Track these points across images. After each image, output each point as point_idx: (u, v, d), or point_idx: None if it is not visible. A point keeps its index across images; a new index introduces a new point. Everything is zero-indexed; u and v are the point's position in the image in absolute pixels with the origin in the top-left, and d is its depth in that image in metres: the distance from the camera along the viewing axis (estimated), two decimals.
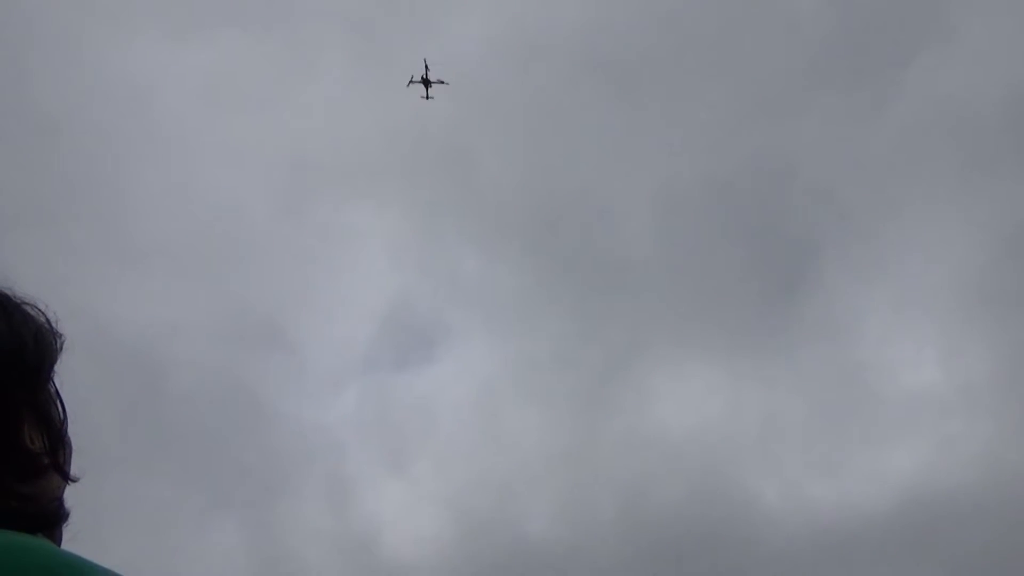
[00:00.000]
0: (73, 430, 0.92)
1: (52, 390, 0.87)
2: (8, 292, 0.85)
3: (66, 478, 0.85)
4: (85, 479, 0.95)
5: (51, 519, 0.83)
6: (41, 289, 0.92)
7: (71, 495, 0.91)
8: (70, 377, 0.94)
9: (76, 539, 0.85)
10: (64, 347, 0.88)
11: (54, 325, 0.88)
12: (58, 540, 0.84)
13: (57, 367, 0.88)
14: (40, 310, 0.87)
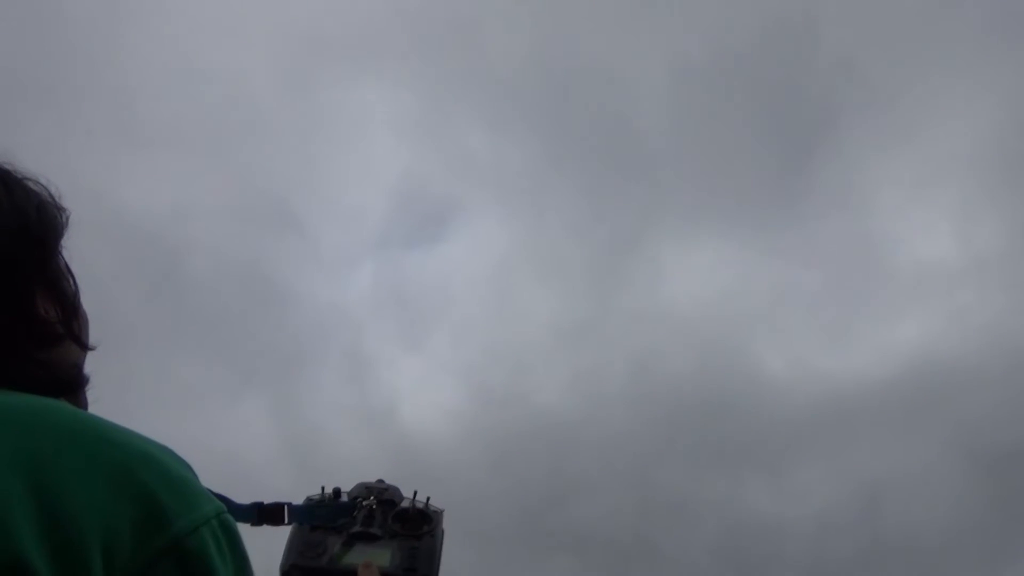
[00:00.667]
0: (95, 311, 0.96)
1: (62, 264, 0.89)
2: (9, 167, 0.86)
3: (82, 346, 0.88)
4: (110, 356, 0.99)
5: (71, 384, 0.85)
6: (50, 172, 0.91)
7: (97, 369, 0.95)
8: (88, 262, 0.97)
9: (102, 410, 0.87)
10: (69, 221, 0.89)
11: (57, 199, 0.88)
12: (83, 406, 0.87)
13: (64, 242, 0.89)
14: (42, 184, 0.87)
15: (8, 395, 0.70)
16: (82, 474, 0.65)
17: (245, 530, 0.79)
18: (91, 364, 0.94)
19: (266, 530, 1.31)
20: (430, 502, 1.41)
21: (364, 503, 1.38)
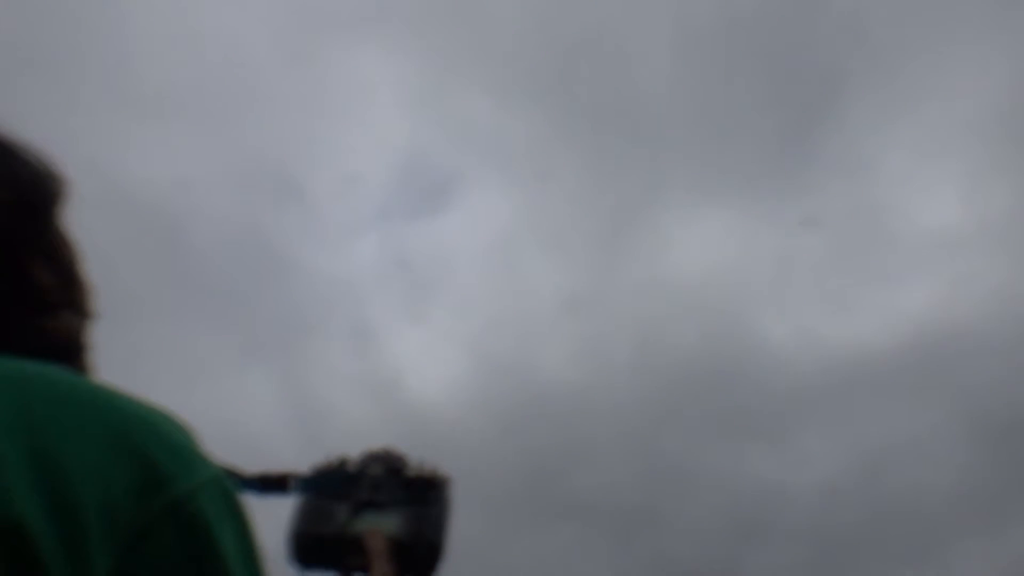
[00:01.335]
0: (98, 283, 0.95)
1: (61, 233, 0.88)
2: (5, 136, 0.85)
3: (82, 313, 0.87)
4: (114, 327, 0.99)
5: (69, 350, 0.85)
6: (50, 142, 0.90)
7: (102, 341, 0.95)
8: (90, 233, 0.96)
9: (106, 381, 0.87)
10: (69, 191, 0.88)
11: (56, 169, 0.87)
12: (82, 373, 0.87)
13: (64, 211, 0.88)
14: (40, 154, 0.86)
15: (4, 360, 0.70)
16: (79, 437, 0.65)
17: (251, 500, 0.79)
18: (95, 336, 0.94)
19: (273, 500, 1.32)
20: (436, 469, 1.42)
21: (370, 471, 1.39)
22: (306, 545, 1.30)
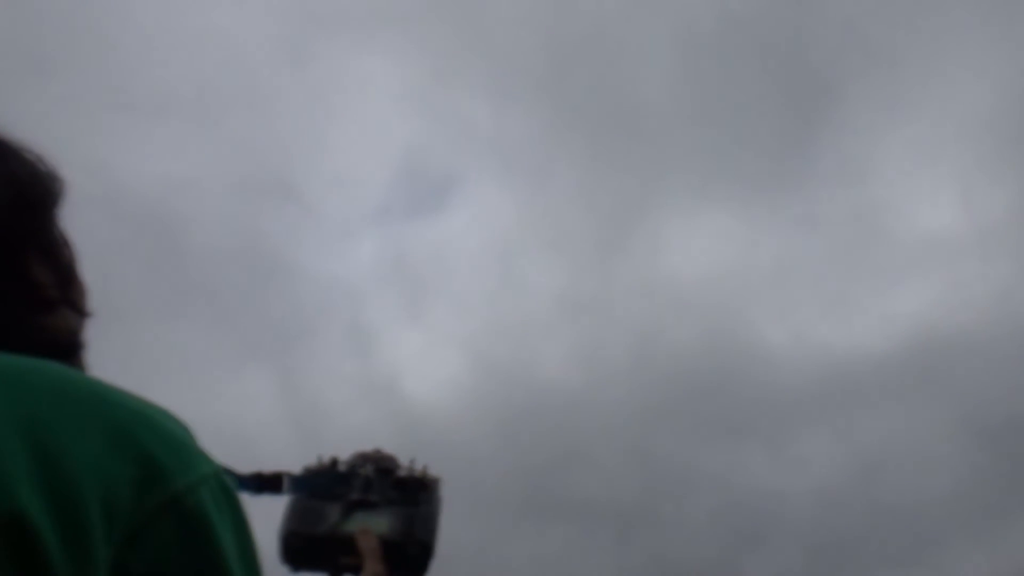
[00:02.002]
0: (94, 283, 0.96)
1: (59, 232, 0.89)
2: (3, 136, 0.85)
3: (79, 311, 0.88)
4: (111, 327, 0.99)
5: (67, 347, 0.86)
6: (46, 143, 0.90)
7: (98, 341, 0.96)
8: (86, 234, 0.97)
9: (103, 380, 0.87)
10: (66, 191, 0.89)
11: (53, 169, 0.88)
12: (80, 370, 0.87)
13: (61, 211, 0.89)
14: (38, 154, 0.87)
15: (3, 356, 0.71)
16: (79, 432, 0.65)
17: (245, 499, 0.79)
18: (92, 336, 0.94)
19: (265, 499, 1.32)
20: (427, 470, 1.43)
21: (362, 471, 1.39)
22: (297, 545, 1.31)
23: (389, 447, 1.47)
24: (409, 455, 1.45)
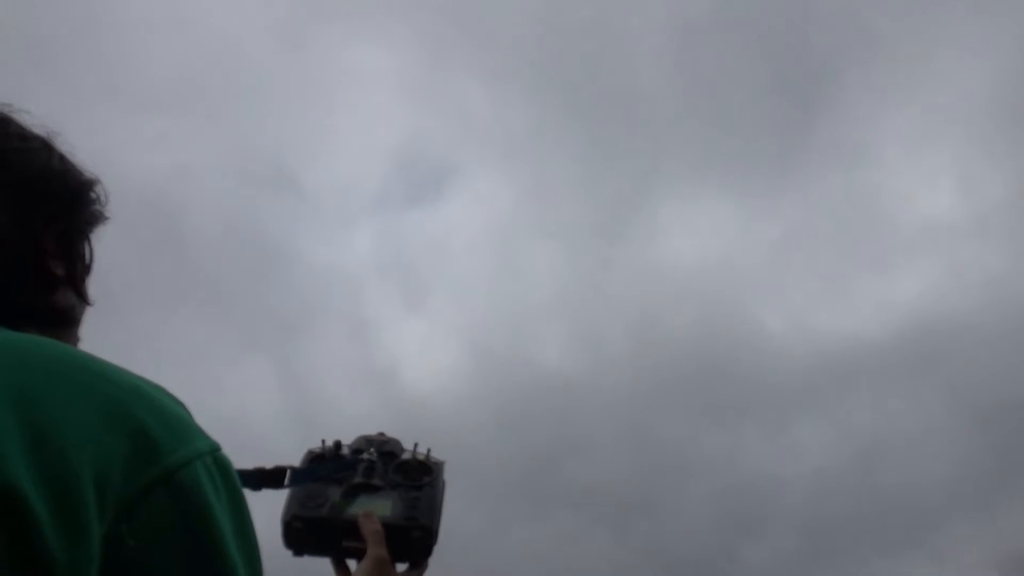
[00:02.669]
0: (95, 271, 0.97)
1: (86, 235, 0.93)
2: (40, 130, 0.90)
3: (81, 295, 0.90)
4: (111, 316, 0.99)
5: (62, 320, 0.88)
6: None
7: (98, 330, 0.96)
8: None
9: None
10: (103, 215, 0.95)
11: (102, 189, 0.94)
12: (74, 345, 0.90)
13: (95, 227, 0.94)
14: (90, 172, 0.94)
15: (1, 331, 0.71)
16: (73, 407, 0.65)
17: (246, 495, 0.79)
18: (93, 325, 0.95)
19: (267, 494, 1.32)
20: (431, 454, 1.42)
21: (365, 455, 1.39)
22: (300, 528, 1.30)
23: (390, 433, 1.47)
24: (410, 441, 1.45)
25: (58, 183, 0.88)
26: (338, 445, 1.41)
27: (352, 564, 1.31)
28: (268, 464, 1.32)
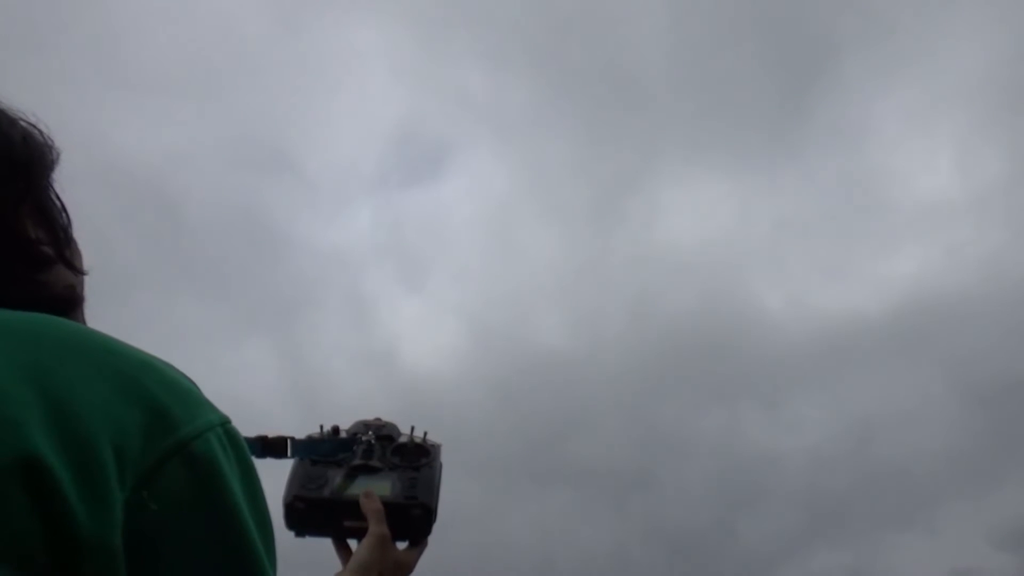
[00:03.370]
0: (94, 257, 0.97)
1: (52, 195, 0.90)
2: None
3: (74, 269, 0.90)
4: (111, 299, 1.00)
5: (67, 301, 0.87)
6: (45, 117, 0.92)
7: (98, 314, 0.97)
8: (86, 208, 0.98)
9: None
10: (59, 158, 0.90)
11: (47, 135, 0.89)
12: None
13: (55, 176, 0.90)
14: (32, 121, 0.88)
15: (7, 312, 0.72)
16: (88, 380, 0.67)
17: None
18: (93, 306, 0.96)
19: (269, 465, 1.34)
20: (427, 436, 1.44)
21: (363, 438, 1.41)
22: (301, 509, 1.32)
23: (389, 415, 1.49)
24: (409, 423, 1.47)
25: (17, 154, 0.84)
26: (336, 430, 1.43)
27: (353, 544, 1.33)
28: (270, 434, 1.34)
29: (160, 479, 0.66)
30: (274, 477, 1.35)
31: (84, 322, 0.91)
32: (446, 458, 1.43)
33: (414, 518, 1.33)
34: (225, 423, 0.74)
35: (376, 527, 1.28)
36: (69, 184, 0.95)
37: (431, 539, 1.36)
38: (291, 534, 1.34)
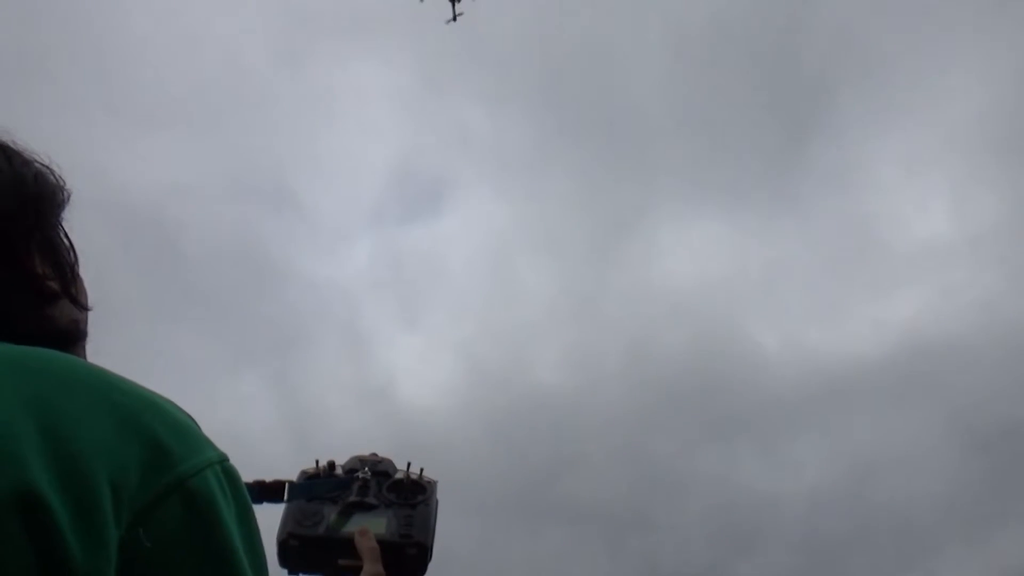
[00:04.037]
0: (94, 286, 0.98)
1: (61, 233, 0.92)
2: (10, 141, 0.88)
3: (79, 305, 0.91)
4: (109, 330, 1.00)
5: (70, 337, 0.89)
6: (49, 149, 0.93)
7: (96, 344, 0.97)
8: (87, 237, 0.99)
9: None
10: (69, 197, 0.92)
11: (58, 175, 0.91)
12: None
13: (65, 215, 0.92)
14: (44, 160, 0.90)
15: (12, 345, 0.73)
16: (89, 415, 0.67)
17: None
18: (92, 338, 0.96)
19: (265, 508, 1.32)
20: (423, 473, 1.43)
21: (359, 475, 1.40)
22: (296, 547, 1.31)
23: (385, 450, 1.48)
24: (405, 458, 1.46)
25: (29, 191, 0.86)
26: (332, 465, 1.42)
27: None
28: (267, 478, 1.33)
29: (157, 516, 0.66)
30: (271, 519, 1.33)
31: (86, 357, 0.92)
32: (442, 495, 1.42)
33: (409, 557, 1.31)
34: (223, 461, 0.74)
35: (371, 566, 1.27)
36: (73, 212, 0.96)
37: None
38: (284, 573, 1.32)
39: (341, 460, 1.44)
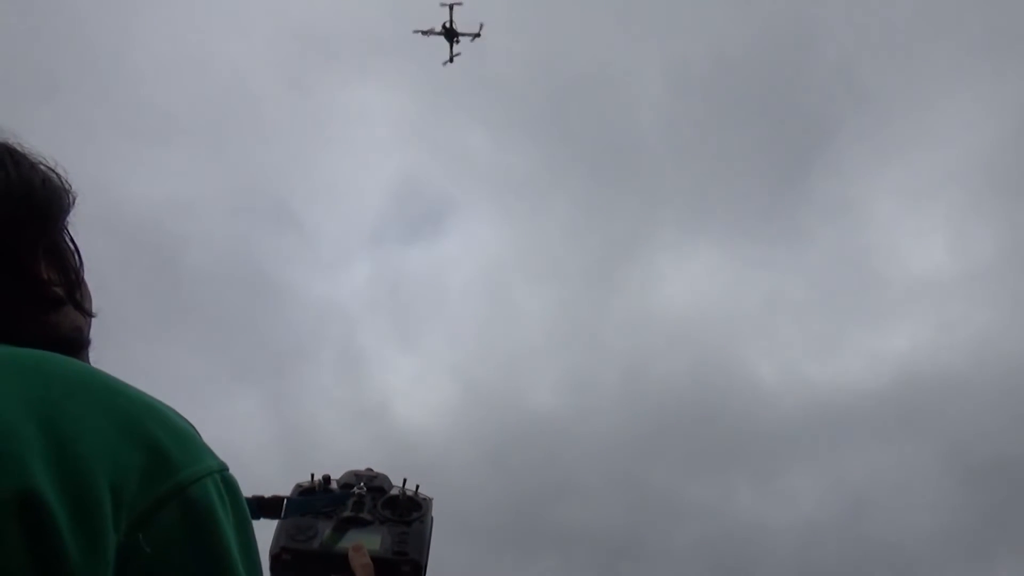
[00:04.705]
0: (94, 301, 0.99)
1: (66, 238, 0.92)
2: (18, 146, 0.89)
3: (84, 311, 0.91)
4: (108, 346, 1.02)
5: (74, 344, 0.89)
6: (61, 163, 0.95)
7: (94, 360, 0.98)
8: (88, 253, 1.00)
9: None
10: (75, 202, 0.92)
11: (65, 180, 0.92)
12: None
13: (70, 219, 0.92)
14: (51, 166, 0.91)
15: (20, 349, 0.74)
16: (91, 419, 0.68)
17: None
18: (93, 345, 0.97)
19: (262, 523, 1.32)
20: (419, 490, 1.43)
21: (354, 490, 1.39)
22: (287, 561, 1.30)
23: (379, 467, 1.48)
24: (399, 477, 1.45)
25: (37, 197, 0.87)
26: (327, 479, 1.42)
27: None
28: (265, 494, 1.33)
29: (156, 522, 0.67)
30: (265, 533, 1.33)
31: (89, 363, 0.92)
32: (436, 515, 1.41)
33: (403, 575, 1.31)
34: (223, 470, 0.75)
35: None
36: (76, 226, 0.97)
37: None
38: None
39: (336, 475, 1.44)
